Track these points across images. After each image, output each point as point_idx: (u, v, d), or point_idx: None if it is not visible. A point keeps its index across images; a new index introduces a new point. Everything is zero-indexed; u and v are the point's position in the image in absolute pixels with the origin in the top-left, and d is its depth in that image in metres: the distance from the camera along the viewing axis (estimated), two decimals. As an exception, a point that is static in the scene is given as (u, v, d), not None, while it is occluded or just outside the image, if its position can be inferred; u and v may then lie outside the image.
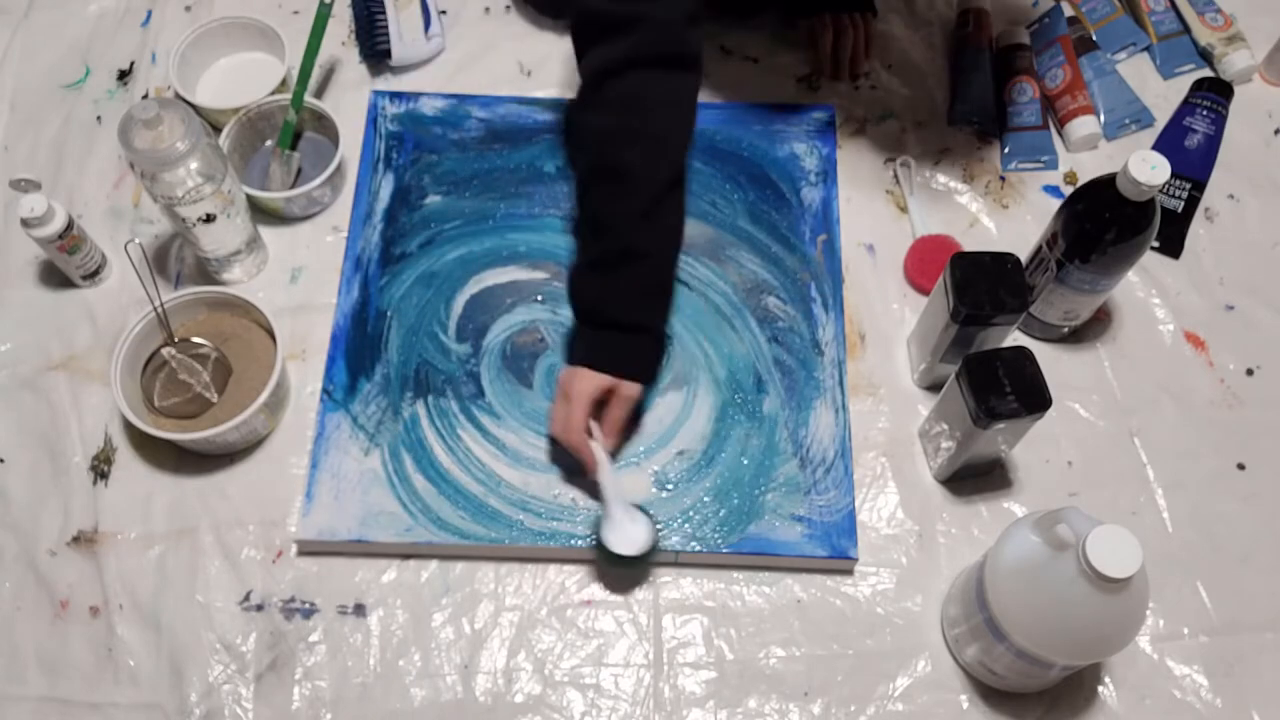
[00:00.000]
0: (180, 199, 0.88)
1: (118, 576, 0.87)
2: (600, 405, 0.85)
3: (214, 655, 0.85)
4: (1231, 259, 1.03)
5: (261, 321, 0.94)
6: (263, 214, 1.03)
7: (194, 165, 0.87)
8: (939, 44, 1.16)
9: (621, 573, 0.87)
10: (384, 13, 1.13)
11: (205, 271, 1.00)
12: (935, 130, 1.10)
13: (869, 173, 1.07)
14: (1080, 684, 0.84)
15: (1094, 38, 1.14)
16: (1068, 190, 1.07)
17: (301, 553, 0.89)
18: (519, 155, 1.06)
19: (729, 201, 1.03)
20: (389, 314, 0.97)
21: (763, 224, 1.02)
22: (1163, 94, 1.12)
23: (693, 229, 0.96)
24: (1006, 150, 1.08)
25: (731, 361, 0.96)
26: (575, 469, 0.89)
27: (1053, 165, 1.08)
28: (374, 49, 1.12)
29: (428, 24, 1.13)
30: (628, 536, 0.84)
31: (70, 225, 0.94)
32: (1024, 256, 0.91)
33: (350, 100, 1.10)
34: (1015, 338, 0.95)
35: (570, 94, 1.10)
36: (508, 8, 1.18)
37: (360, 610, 0.87)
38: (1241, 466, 0.94)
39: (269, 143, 1.06)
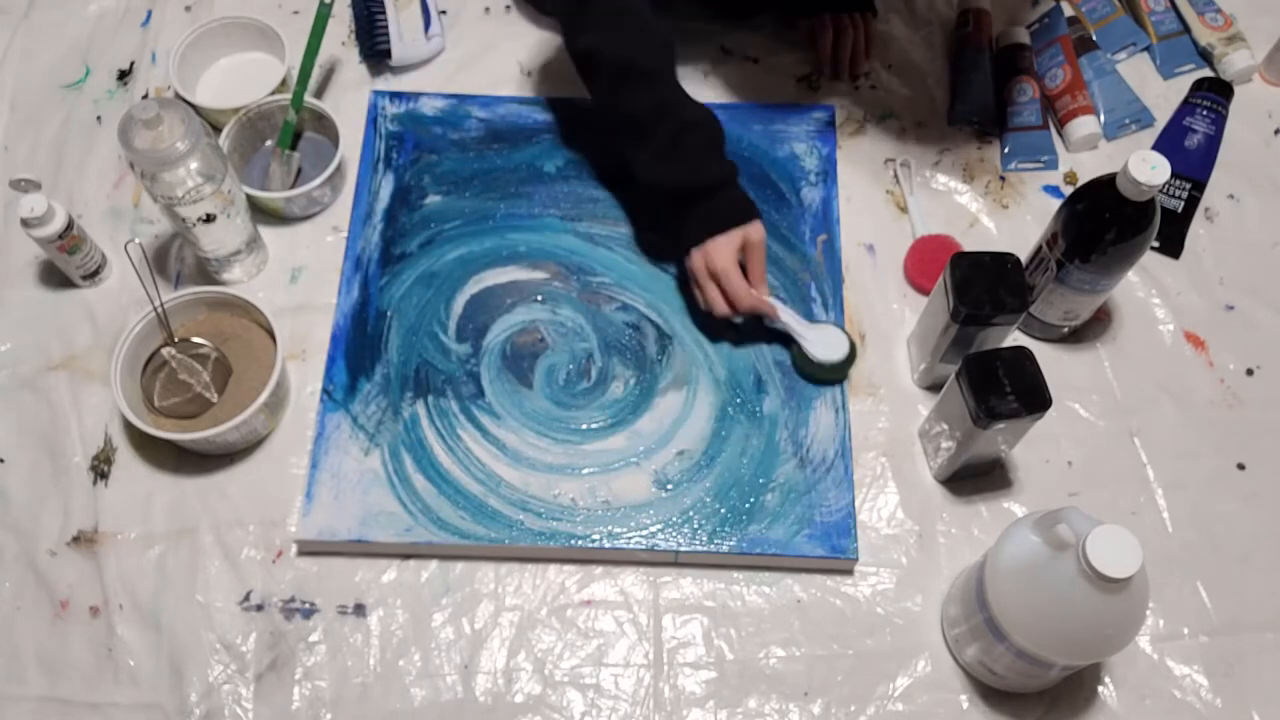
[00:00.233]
0: (180, 199, 0.88)
1: (118, 576, 0.87)
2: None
3: (214, 655, 0.85)
4: (1231, 259, 1.03)
5: (261, 321, 0.94)
6: (263, 214, 1.03)
7: (194, 165, 0.87)
8: (939, 44, 1.16)
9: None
10: (384, 13, 1.13)
11: (205, 271, 1.00)
12: (935, 130, 1.10)
13: (869, 173, 1.07)
14: (1080, 684, 0.84)
15: (1094, 38, 1.14)
16: (1068, 190, 1.07)
17: (301, 553, 0.89)
18: (519, 155, 1.06)
19: (729, 201, 1.03)
20: (389, 314, 0.97)
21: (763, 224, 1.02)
22: (1163, 94, 1.12)
23: (693, 229, 0.96)
24: (1006, 150, 1.08)
25: (731, 361, 0.96)
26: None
27: (1053, 165, 1.08)
28: (374, 49, 1.12)
29: (428, 24, 1.13)
30: (832, 341, 0.93)
31: (70, 225, 0.94)
32: (1024, 256, 0.91)
33: (350, 100, 1.10)
34: (1015, 338, 0.95)
35: (570, 94, 1.10)
36: (508, 8, 1.18)
37: (360, 610, 0.87)
38: (1241, 466, 0.94)
39: (269, 143, 1.06)
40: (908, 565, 0.89)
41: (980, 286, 0.85)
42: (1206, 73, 1.14)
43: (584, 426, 0.93)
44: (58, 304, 1.00)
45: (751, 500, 0.89)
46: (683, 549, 0.87)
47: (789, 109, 1.09)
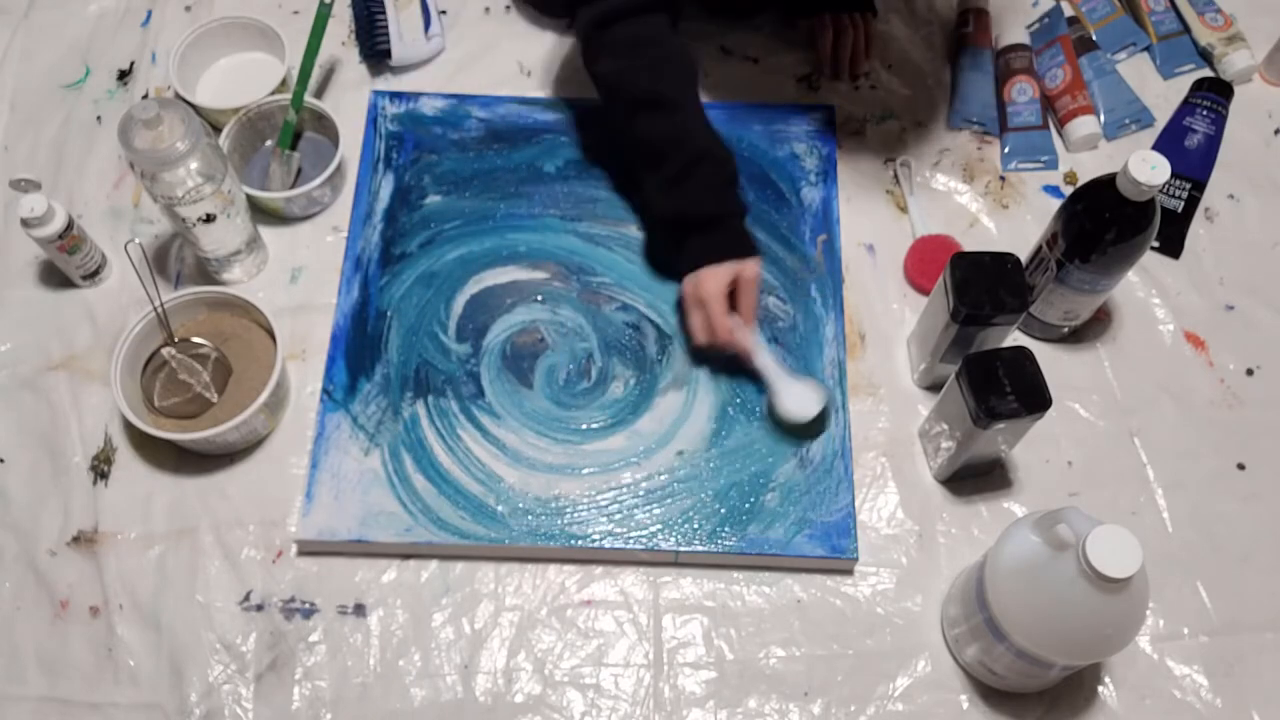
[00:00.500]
0: (180, 199, 0.88)
1: (118, 576, 0.87)
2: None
3: (214, 655, 0.85)
4: (1231, 259, 1.03)
5: (261, 321, 0.94)
6: (263, 214, 1.03)
7: (194, 165, 0.87)
8: (939, 44, 1.16)
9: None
10: (384, 13, 1.13)
11: (205, 271, 1.00)
12: (935, 130, 1.10)
13: (869, 173, 1.07)
14: (1080, 684, 0.84)
15: (1094, 38, 1.14)
16: (1068, 190, 1.07)
17: (301, 553, 0.89)
18: (519, 155, 1.06)
19: (729, 201, 1.03)
20: (389, 314, 0.97)
21: (763, 224, 1.02)
22: (1163, 94, 1.12)
23: (693, 229, 0.96)
24: (1006, 150, 1.08)
25: (732, 361, 0.95)
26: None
27: (1053, 165, 1.08)
28: (374, 49, 1.12)
29: (428, 24, 1.13)
30: (805, 398, 0.90)
31: (70, 225, 0.94)
32: (1024, 256, 0.91)
33: (350, 100, 1.10)
34: (1015, 338, 0.95)
35: (569, 94, 1.10)
36: (508, 8, 1.18)
37: (360, 610, 0.87)
38: (1241, 466, 0.94)
39: (269, 143, 1.06)
40: (908, 565, 0.89)
41: (980, 286, 0.85)
42: (1206, 73, 1.14)
43: (584, 426, 0.93)
44: (58, 304, 1.00)
45: (751, 500, 0.89)
46: (683, 549, 0.87)
47: (789, 109, 1.09)
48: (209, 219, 0.91)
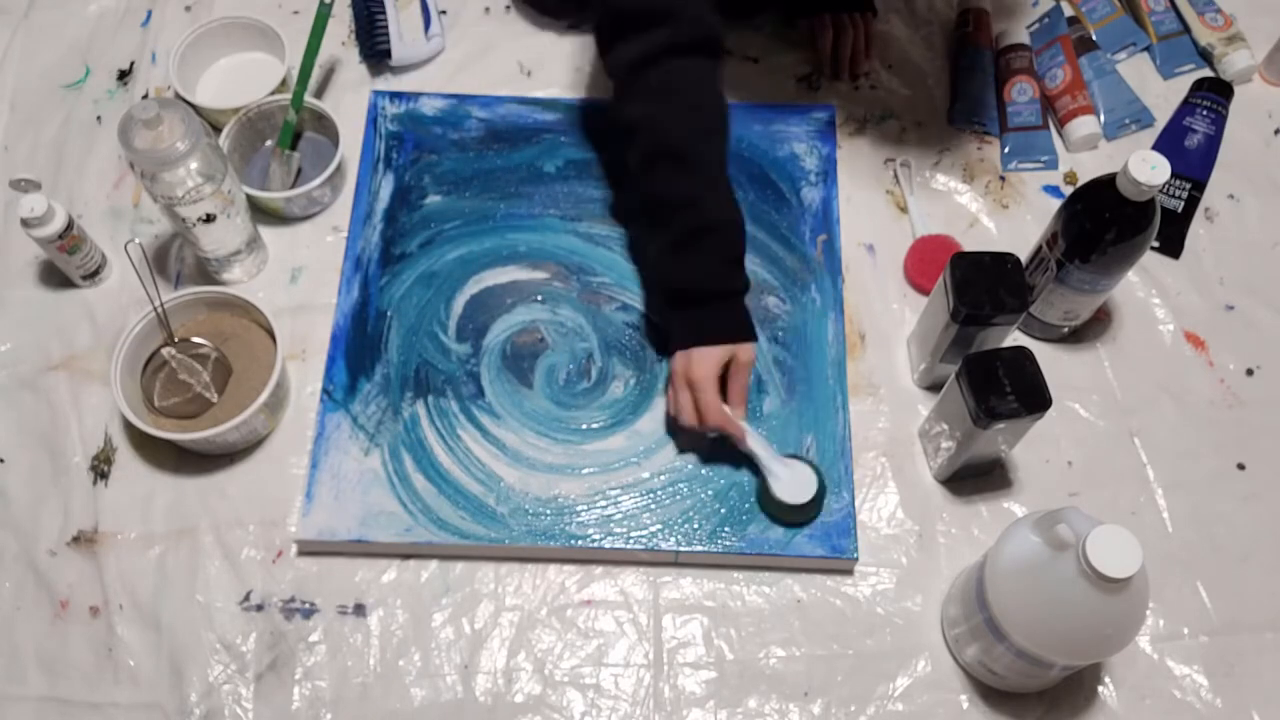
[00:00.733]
0: (180, 199, 0.88)
1: (118, 576, 0.87)
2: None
3: (214, 655, 0.85)
4: (1231, 259, 1.03)
5: (261, 321, 0.94)
6: (263, 214, 1.03)
7: (194, 165, 0.87)
8: (939, 44, 1.16)
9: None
10: (384, 13, 1.13)
11: (205, 271, 1.00)
12: (935, 130, 1.10)
13: (869, 173, 1.07)
14: (1080, 684, 0.84)
15: (1094, 38, 1.14)
16: (1068, 190, 1.07)
17: (301, 553, 0.89)
18: (519, 155, 1.06)
19: (729, 201, 1.03)
20: (389, 314, 0.97)
21: (763, 224, 1.02)
22: (1163, 94, 1.12)
23: (693, 229, 0.96)
24: (1006, 150, 1.08)
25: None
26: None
27: (1053, 165, 1.08)
28: (374, 49, 1.12)
29: (428, 24, 1.13)
30: (798, 485, 0.86)
31: (70, 225, 0.94)
32: (1024, 256, 0.91)
33: (350, 100, 1.10)
34: (1015, 338, 0.95)
35: (570, 94, 1.10)
36: (508, 8, 1.18)
37: (360, 610, 0.87)
38: (1241, 466, 0.94)
39: (269, 143, 1.06)
40: (908, 565, 0.89)
41: (980, 286, 0.85)
42: (1206, 73, 1.14)
43: (584, 426, 0.93)
44: (58, 304, 1.00)
45: (752, 500, 0.89)
46: (683, 549, 0.87)
47: (789, 109, 1.09)
48: (209, 219, 0.91)
